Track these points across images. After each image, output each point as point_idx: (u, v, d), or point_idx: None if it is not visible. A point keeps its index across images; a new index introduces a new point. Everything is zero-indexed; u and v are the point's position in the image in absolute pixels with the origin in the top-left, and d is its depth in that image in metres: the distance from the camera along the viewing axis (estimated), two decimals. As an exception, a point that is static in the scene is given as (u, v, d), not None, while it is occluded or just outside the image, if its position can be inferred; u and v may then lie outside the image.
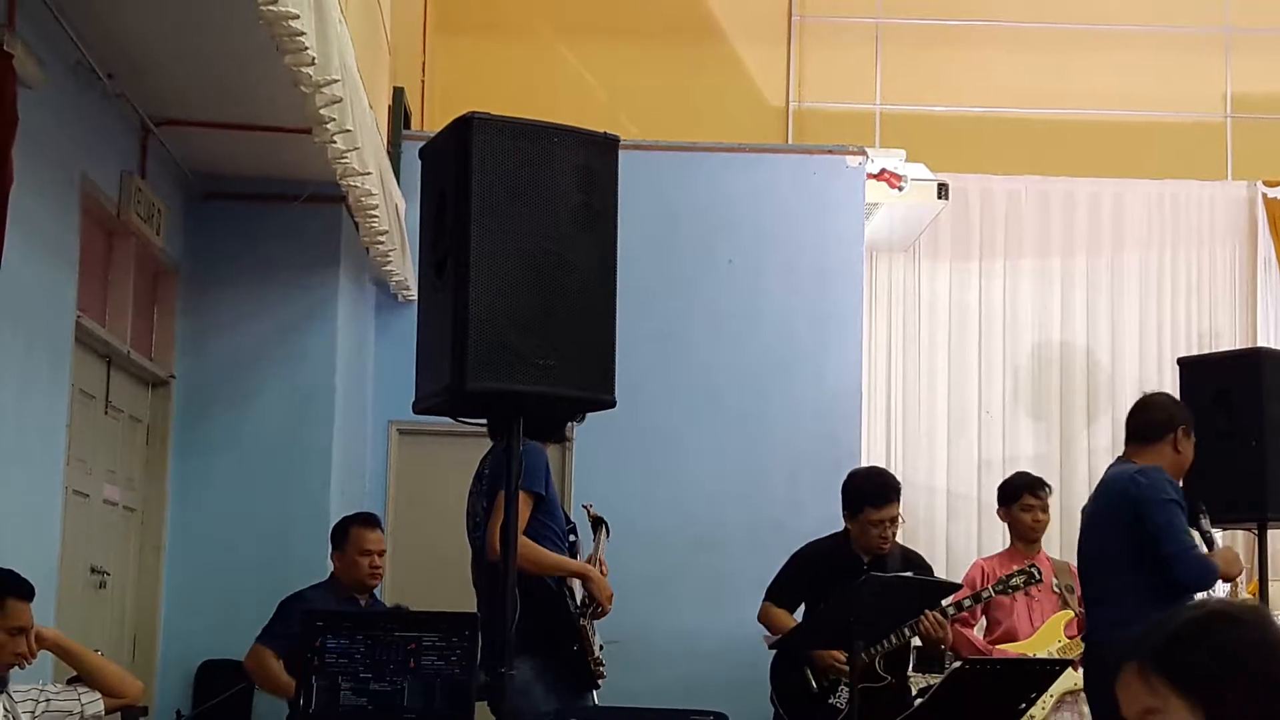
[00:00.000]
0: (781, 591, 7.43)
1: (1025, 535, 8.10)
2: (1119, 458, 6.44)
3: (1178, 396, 6.95)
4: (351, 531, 7.25)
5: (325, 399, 8.71)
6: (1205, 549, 6.24)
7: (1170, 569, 5.94)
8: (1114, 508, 6.18)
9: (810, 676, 7.13)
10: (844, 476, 7.58)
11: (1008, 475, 8.64)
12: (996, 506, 8.33)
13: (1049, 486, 8.27)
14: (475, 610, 6.06)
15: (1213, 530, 6.44)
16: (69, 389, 6.75)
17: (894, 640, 6.97)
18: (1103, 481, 6.43)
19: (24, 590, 4.99)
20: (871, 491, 7.22)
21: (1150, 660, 2.25)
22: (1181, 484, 6.53)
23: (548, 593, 6.18)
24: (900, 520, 7.38)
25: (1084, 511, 6.58)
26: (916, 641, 7.19)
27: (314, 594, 7.17)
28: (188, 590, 8.40)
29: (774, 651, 7.22)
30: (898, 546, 7.36)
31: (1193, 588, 5.98)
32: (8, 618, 4.92)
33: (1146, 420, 6.35)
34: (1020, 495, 8.10)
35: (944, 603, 6.97)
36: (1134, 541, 6.03)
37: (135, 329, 7.90)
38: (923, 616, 6.83)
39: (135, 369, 8.02)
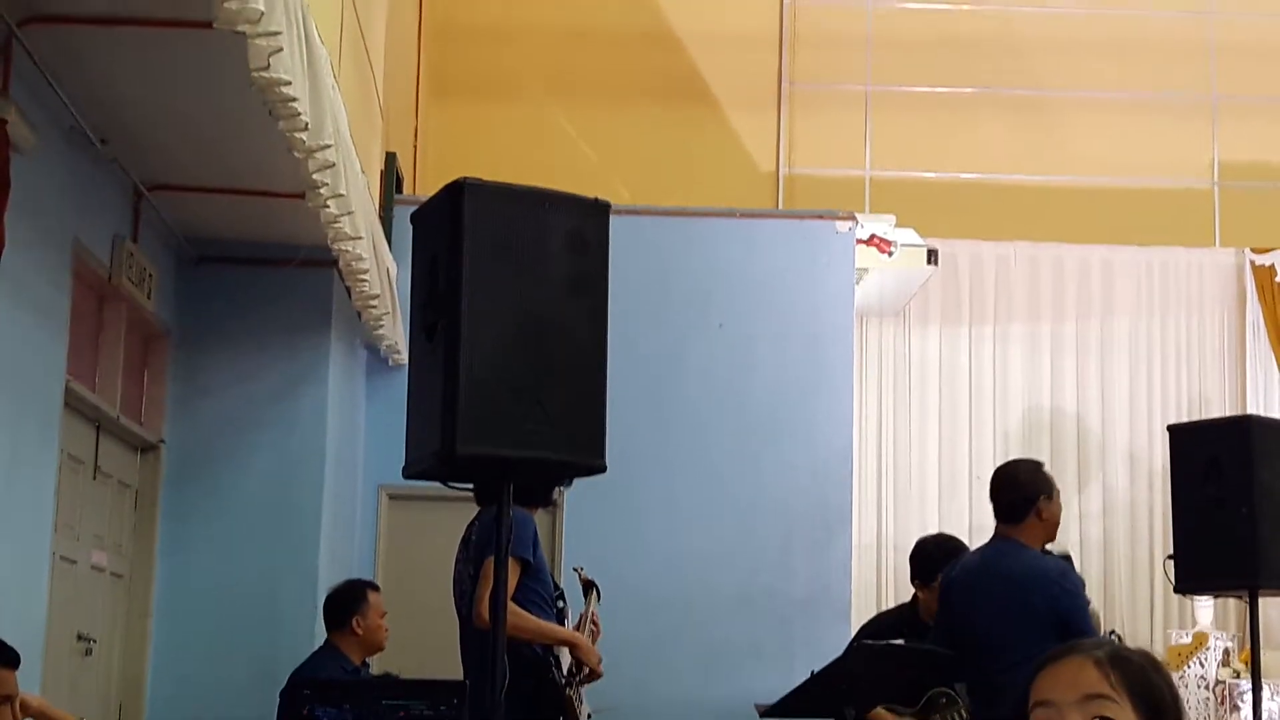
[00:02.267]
0: None
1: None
2: (996, 536, 6.28)
3: (1168, 464, 6.95)
4: (370, 596, 7.22)
5: (315, 463, 8.68)
6: None
7: None
8: (1028, 606, 6.01)
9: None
10: (836, 540, 7.55)
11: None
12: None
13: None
14: (463, 678, 6.02)
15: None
16: (58, 453, 6.73)
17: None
18: (995, 566, 6.21)
19: (9, 657, 4.94)
20: (945, 559, 7.07)
21: (1109, 662, 2.29)
22: (1172, 553, 6.59)
23: (534, 660, 6.15)
24: None
25: (966, 586, 6.33)
26: None
27: (318, 663, 7.09)
28: (175, 657, 8.34)
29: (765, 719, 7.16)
30: None
31: None
32: (-7, 684, 4.87)
33: (1008, 501, 6.25)
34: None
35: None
36: (1043, 639, 5.97)
37: (125, 393, 7.88)
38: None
39: (125, 434, 8.00)
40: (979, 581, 6.25)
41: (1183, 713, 2.31)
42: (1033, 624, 5.95)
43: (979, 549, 6.54)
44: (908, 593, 8.96)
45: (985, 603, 6.17)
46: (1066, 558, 6.85)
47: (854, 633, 7.43)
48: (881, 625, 7.33)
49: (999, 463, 12.07)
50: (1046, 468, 6.41)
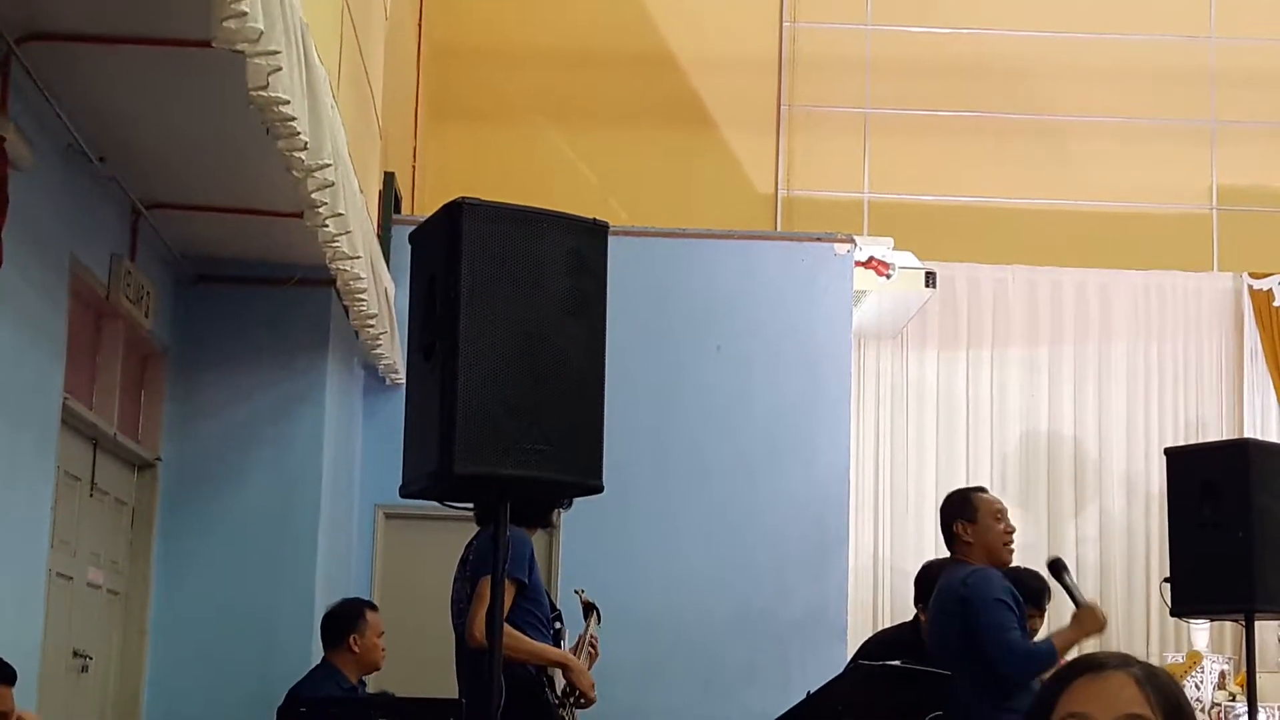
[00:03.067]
0: None
1: None
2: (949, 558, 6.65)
3: (1165, 486, 6.97)
4: (368, 615, 7.23)
5: (312, 482, 8.68)
6: (1072, 603, 6.45)
7: (994, 666, 6.11)
8: (948, 615, 6.40)
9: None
10: (832, 563, 7.54)
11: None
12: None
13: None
14: (458, 696, 6.02)
15: (1076, 587, 6.64)
16: (54, 471, 6.72)
17: None
18: (939, 590, 6.61)
19: (6, 674, 4.94)
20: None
21: (1148, 681, 2.26)
22: (1168, 576, 6.62)
23: (527, 680, 6.14)
24: None
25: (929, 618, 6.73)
26: None
27: (314, 681, 7.09)
28: (171, 674, 8.32)
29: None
30: None
31: (1019, 679, 6.09)
32: (-12, 701, 4.87)
33: (942, 525, 6.66)
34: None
35: None
36: (967, 643, 6.19)
37: (122, 411, 7.88)
38: None
39: (122, 452, 8.00)
40: (931, 608, 6.67)
41: None
42: (952, 631, 6.31)
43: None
44: (904, 614, 8.98)
45: (931, 623, 6.63)
46: (1035, 578, 6.98)
47: (851, 653, 7.43)
48: (881, 643, 7.33)
49: (995, 486, 12.17)
50: (985, 493, 6.71)
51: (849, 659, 7.38)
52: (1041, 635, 6.77)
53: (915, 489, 12.37)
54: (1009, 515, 6.57)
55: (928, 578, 7.25)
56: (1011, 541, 6.52)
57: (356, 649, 7.14)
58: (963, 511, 6.53)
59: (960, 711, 6.28)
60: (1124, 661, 2.29)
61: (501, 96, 12.97)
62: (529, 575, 6.19)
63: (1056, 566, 6.64)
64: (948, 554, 6.72)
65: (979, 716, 6.21)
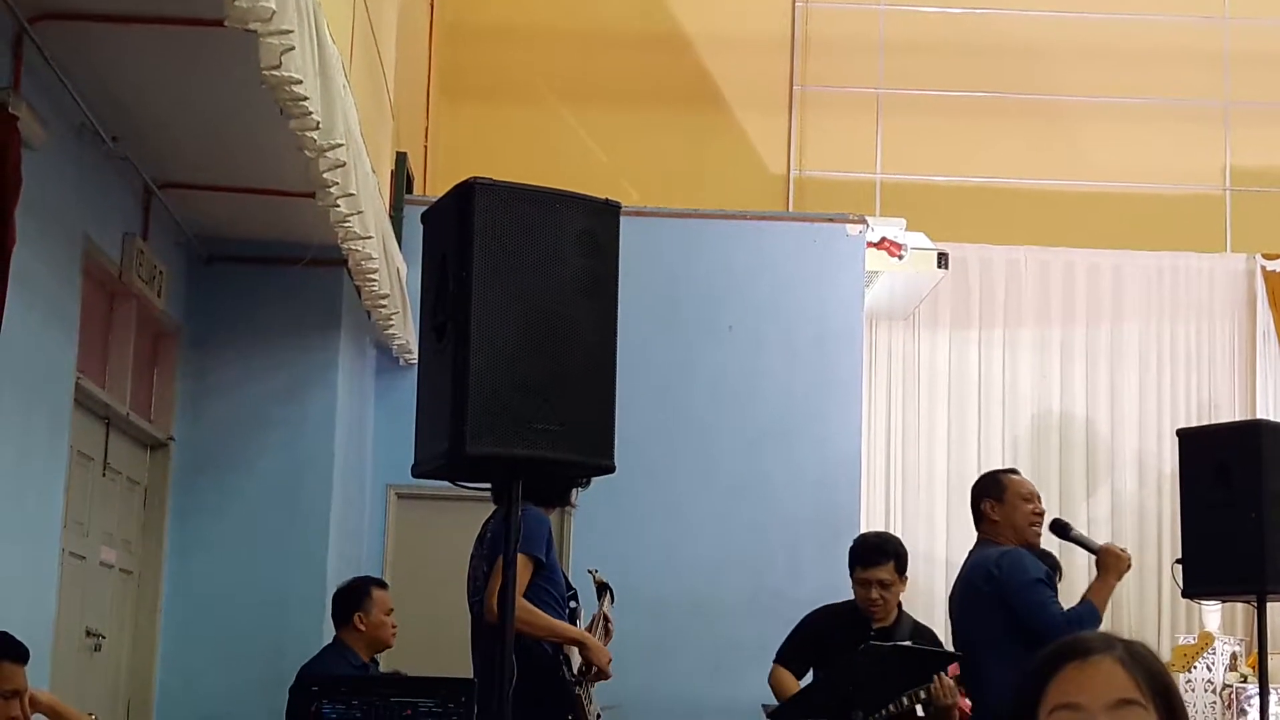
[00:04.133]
0: (790, 655, 7.30)
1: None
2: (975, 542, 6.70)
3: (1177, 467, 6.97)
4: (374, 593, 7.25)
5: (324, 462, 8.69)
6: (1090, 553, 6.56)
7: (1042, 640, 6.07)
8: (978, 595, 6.45)
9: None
10: (843, 543, 7.53)
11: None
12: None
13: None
14: (472, 675, 6.03)
15: (1086, 536, 6.76)
16: (67, 451, 6.74)
17: (898, 706, 6.85)
18: (962, 571, 6.67)
19: (19, 653, 4.96)
20: (859, 550, 7.16)
21: (1133, 662, 2.25)
22: (1180, 558, 6.65)
23: (544, 658, 6.16)
24: (897, 586, 7.26)
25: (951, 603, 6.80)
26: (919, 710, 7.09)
27: (326, 660, 7.12)
28: (184, 653, 8.35)
29: (772, 721, 7.16)
30: (909, 618, 7.23)
31: None
32: (2, 681, 4.88)
33: (971, 505, 6.72)
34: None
35: (951, 673, 6.90)
36: (1006, 625, 6.23)
37: (135, 391, 7.89)
38: (935, 681, 6.76)
39: (134, 431, 8.01)
40: (954, 587, 6.71)
41: (1182, 703, 2.30)
42: (982, 610, 6.34)
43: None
44: (914, 594, 8.96)
45: (953, 603, 6.67)
46: (1047, 557, 7.05)
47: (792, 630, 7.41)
48: (826, 617, 7.33)
49: (1008, 466, 12.16)
50: (1016, 474, 6.75)
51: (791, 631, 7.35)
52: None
53: (927, 470, 12.37)
54: (1040, 499, 6.63)
55: (851, 548, 7.33)
56: (1039, 523, 6.57)
57: (363, 627, 7.16)
58: (990, 491, 6.61)
59: (992, 690, 6.32)
60: (1107, 644, 2.27)
61: (513, 76, 12.95)
62: (546, 554, 6.20)
63: (1060, 526, 6.71)
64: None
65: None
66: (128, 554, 8.12)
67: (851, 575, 7.13)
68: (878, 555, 7.14)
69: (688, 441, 9.79)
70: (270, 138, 6.32)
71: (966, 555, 6.71)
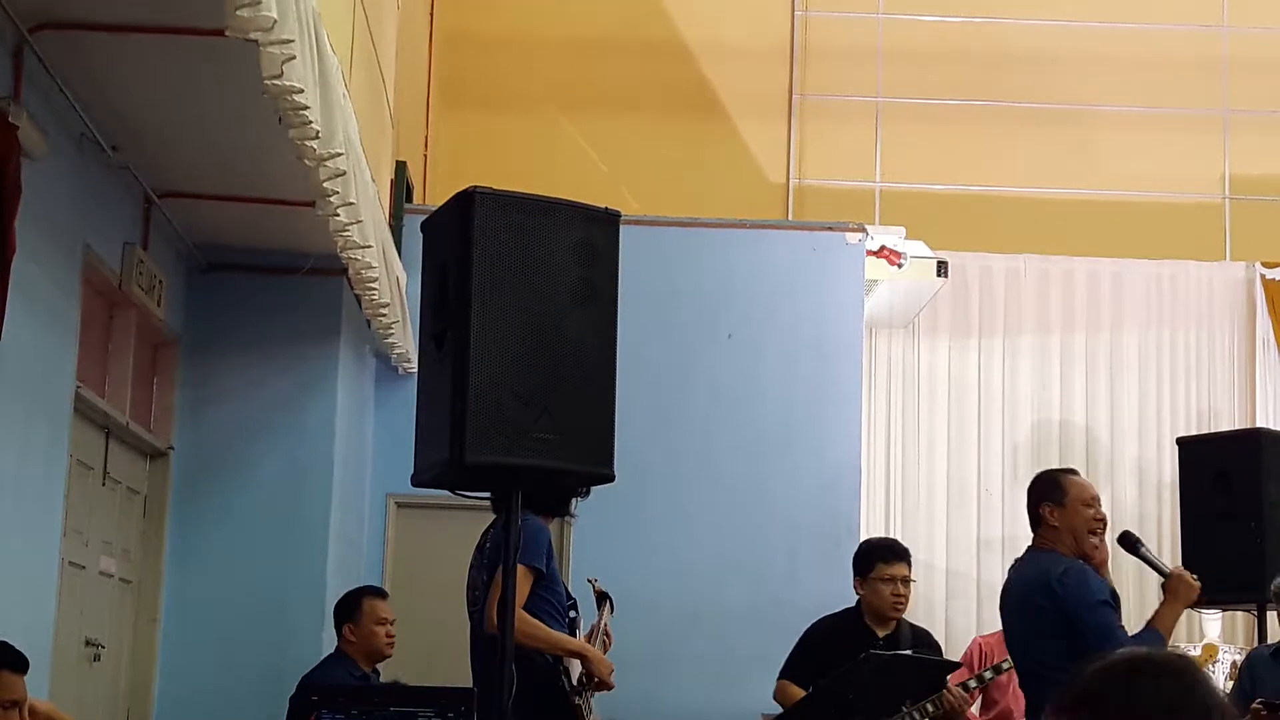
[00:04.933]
0: (796, 669, 7.30)
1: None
2: (1029, 547, 6.25)
3: (1177, 476, 6.95)
4: (364, 602, 7.25)
5: (324, 471, 8.69)
6: (1158, 575, 6.16)
7: None
8: (1036, 609, 6.02)
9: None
10: (843, 552, 7.53)
11: (1008, 554, 8.53)
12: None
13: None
14: (471, 685, 6.02)
15: (1157, 557, 6.33)
16: (67, 460, 6.74)
17: (916, 717, 6.85)
18: (1015, 578, 6.25)
19: (18, 663, 4.95)
20: (881, 548, 7.18)
21: (1067, 711, 2.20)
22: (1180, 562, 6.57)
23: (543, 669, 6.15)
24: (911, 581, 7.27)
25: (1003, 600, 6.34)
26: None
27: (327, 669, 7.12)
28: (183, 663, 8.34)
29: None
30: (908, 624, 7.26)
31: None
32: (1, 690, 4.87)
33: (1029, 507, 6.24)
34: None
35: (951, 681, 6.91)
36: (1068, 643, 5.93)
37: (134, 400, 7.89)
38: (946, 691, 6.76)
39: (134, 440, 8.01)
40: (1007, 594, 6.26)
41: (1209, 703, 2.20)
42: (1043, 626, 5.93)
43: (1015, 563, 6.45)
44: (914, 607, 8.97)
45: (1008, 614, 6.20)
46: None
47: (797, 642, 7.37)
48: (828, 628, 7.31)
49: (1007, 475, 12.17)
50: (1076, 475, 6.30)
51: (796, 644, 7.32)
52: None
53: (927, 478, 12.35)
54: (1100, 503, 6.17)
55: (865, 549, 7.28)
56: (1100, 531, 6.15)
57: (353, 638, 7.16)
58: (1051, 494, 6.15)
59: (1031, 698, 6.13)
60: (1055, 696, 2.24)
61: (513, 85, 12.95)
62: (546, 564, 6.19)
63: (1130, 541, 6.31)
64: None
65: None
66: (127, 563, 8.12)
67: (865, 577, 7.09)
68: (900, 552, 7.15)
69: (687, 450, 9.78)
70: (270, 147, 6.33)
71: (1017, 562, 6.31)
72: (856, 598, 7.21)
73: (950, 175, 13.00)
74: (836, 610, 7.42)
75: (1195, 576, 6.07)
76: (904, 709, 6.76)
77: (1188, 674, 2.26)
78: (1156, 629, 6.00)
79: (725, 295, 9.98)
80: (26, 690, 5.00)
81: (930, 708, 6.80)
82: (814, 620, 7.45)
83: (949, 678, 7.01)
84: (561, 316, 4.49)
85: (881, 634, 7.06)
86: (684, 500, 9.73)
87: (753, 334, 9.95)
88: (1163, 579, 6.09)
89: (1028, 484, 6.34)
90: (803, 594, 8.94)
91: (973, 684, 7.30)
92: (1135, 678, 2.23)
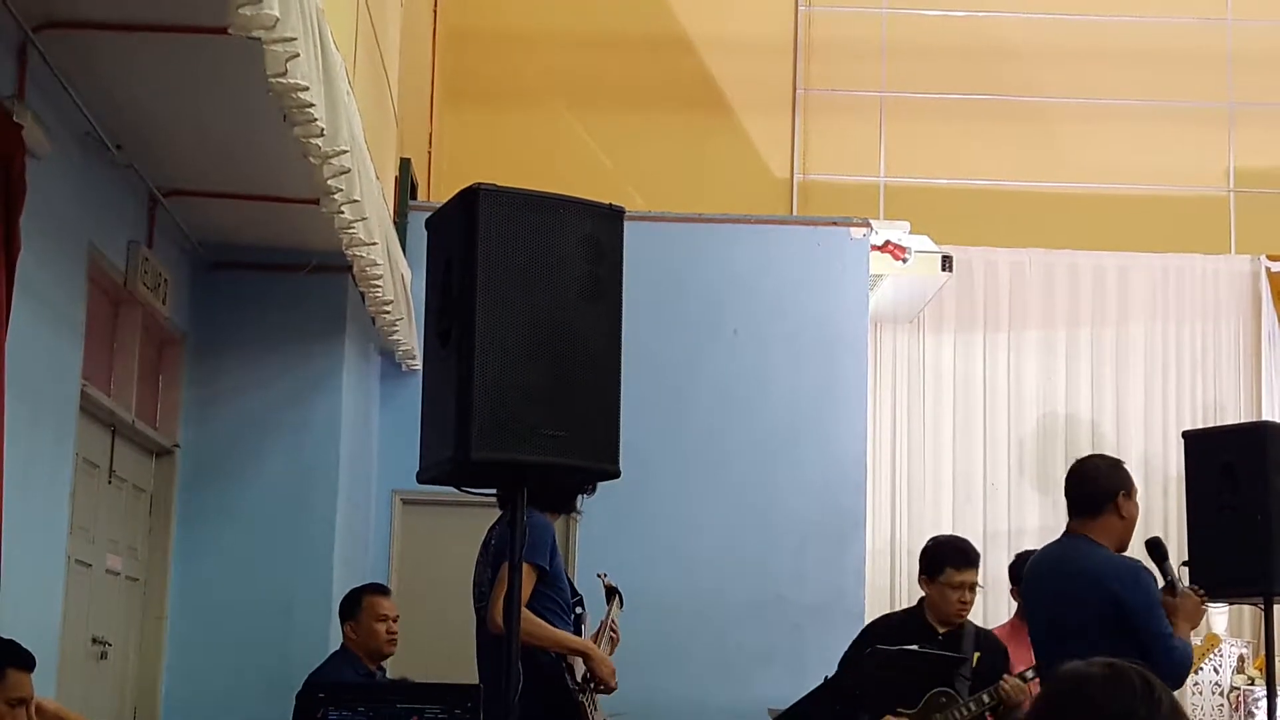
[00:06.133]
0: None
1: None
2: (1068, 533, 6.14)
3: (1183, 470, 6.93)
4: (365, 599, 7.25)
5: (329, 468, 8.70)
6: (1170, 590, 6.04)
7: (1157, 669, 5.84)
8: (1096, 601, 5.90)
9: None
10: (849, 547, 7.53)
11: (1014, 548, 8.52)
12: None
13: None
14: (478, 681, 6.02)
15: (1176, 572, 6.23)
16: (73, 458, 6.74)
17: (973, 708, 6.78)
18: (1067, 563, 6.08)
19: (25, 661, 4.96)
20: (953, 552, 7.09)
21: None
22: (1186, 556, 6.55)
23: (548, 666, 6.15)
24: (980, 588, 7.21)
25: (1037, 584, 6.25)
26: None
27: (332, 666, 7.13)
28: (190, 660, 8.35)
29: (778, 724, 7.14)
30: (972, 625, 7.18)
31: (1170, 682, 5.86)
32: (8, 688, 4.88)
33: (1086, 493, 6.12)
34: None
35: (1025, 673, 6.86)
36: (1114, 639, 5.85)
37: (140, 398, 7.90)
38: (1004, 681, 6.73)
39: (139, 438, 8.02)
40: (1050, 578, 6.12)
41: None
42: (1097, 622, 5.85)
43: (1048, 546, 6.35)
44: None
45: (1055, 600, 6.04)
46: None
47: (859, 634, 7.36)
48: (888, 626, 7.27)
49: (1013, 469, 12.15)
50: (1126, 465, 6.26)
51: (853, 641, 7.31)
52: None
53: (932, 473, 12.36)
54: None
55: (934, 549, 7.19)
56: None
57: (355, 636, 7.17)
58: (1127, 483, 6.09)
59: None
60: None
61: (517, 81, 12.96)
62: (550, 561, 6.19)
63: (1158, 550, 6.20)
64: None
65: None
66: (133, 561, 8.13)
67: (934, 579, 6.99)
68: (973, 558, 7.08)
69: (692, 446, 9.78)
70: (274, 145, 6.33)
71: (1057, 548, 6.16)
72: (862, 594, 7.20)
73: (954, 170, 12.99)
74: (899, 609, 7.32)
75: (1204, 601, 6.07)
76: (955, 700, 6.69)
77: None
78: (1185, 640, 5.95)
79: (730, 291, 9.98)
80: (34, 688, 5.01)
81: (986, 698, 6.76)
82: (874, 618, 7.34)
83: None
84: (567, 313, 4.49)
85: (942, 632, 6.95)
86: (689, 496, 9.73)
87: (758, 329, 9.95)
88: (1172, 595, 6.02)
89: (1069, 471, 6.26)
90: (808, 590, 8.95)
91: (1030, 675, 7.20)
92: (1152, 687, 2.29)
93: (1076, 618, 5.92)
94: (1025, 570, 6.43)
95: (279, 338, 8.68)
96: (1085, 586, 5.93)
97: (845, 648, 6.93)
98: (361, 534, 9.39)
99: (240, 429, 8.61)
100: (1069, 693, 2.26)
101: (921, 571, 7.08)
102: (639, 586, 8.50)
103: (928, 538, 7.47)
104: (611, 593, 6.84)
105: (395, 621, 7.28)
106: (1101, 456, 6.52)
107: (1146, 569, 5.98)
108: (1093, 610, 5.86)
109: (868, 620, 9.31)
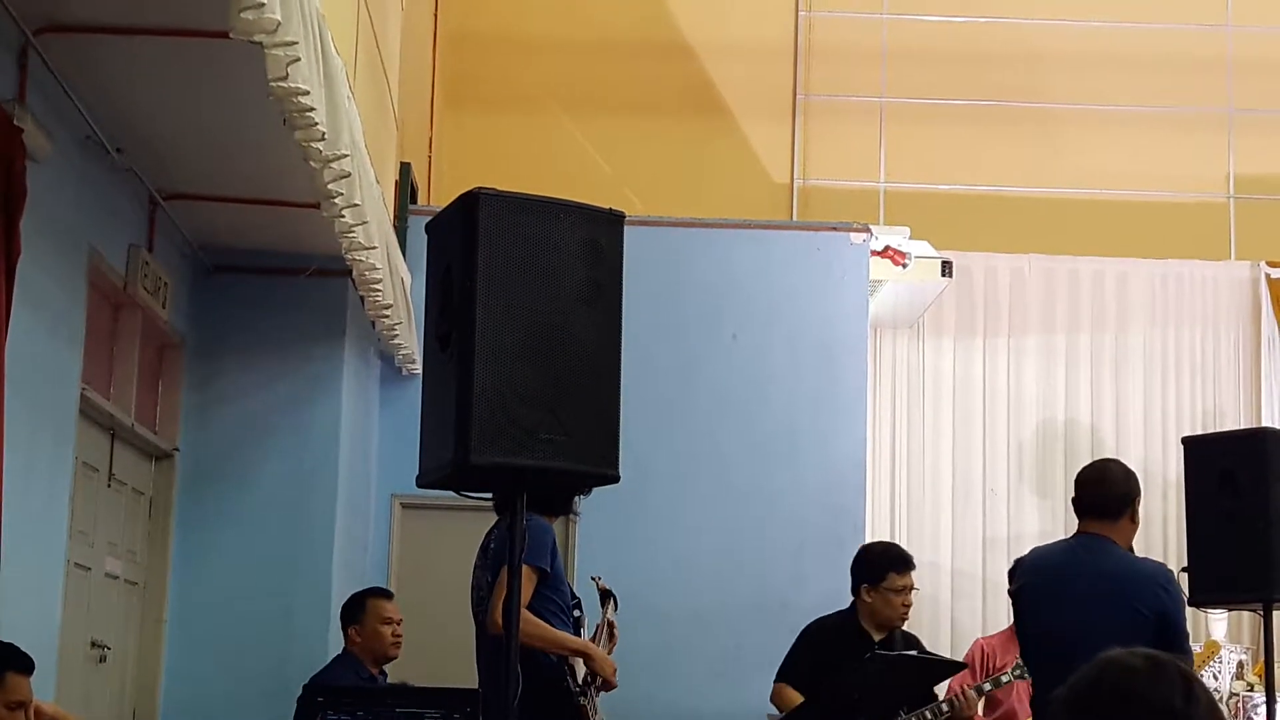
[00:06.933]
0: (793, 671, 7.33)
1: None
2: (1085, 533, 6.14)
3: (1182, 476, 6.95)
4: (369, 603, 7.27)
5: (329, 472, 8.70)
6: None
7: None
8: (1129, 604, 5.88)
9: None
10: (848, 552, 7.54)
11: (1013, 553, 8.54)
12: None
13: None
14: (477, 685, 6.03)
15: None
16: (72, 461, 6.74)
17: (929, 717, 6.88)
18: (1088, 564, 6.05)
19: (24, 664, 4.96)
20: (894, 558, 7.20)
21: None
22: (1186, 566, 6.58)
23: (548, 669, 6.16)
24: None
25: (1051, 583, 6.16)
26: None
27: (334, 670, 7.14)
28: (189, 664, 8.35)
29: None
30: (901, 630, 7.30)
31: None
32: (7, 692, 4.88)
33: (1109, 494, 6.14)
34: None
35: (982, 685, 6.93)
36: (1142, 638, 5.80)
37: (140, 402, 7.90)
38: (960, 693, 6.80)
39: (139, 442, 8.02)
40: (1075, 579, 6.05)
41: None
42: (1131, 623, 5.80)
43: (1060, 546, 6.34)
44: (919, 606, 8.99)
45: (1076, 601, 5.97)
46: None
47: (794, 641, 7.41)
48: (824, 630, 7.32)
49: (1012, 475, 12.14)
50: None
51: (792, 647, 7.36)
52: None
53: (932, 478, 12.35)
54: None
55: (876, 555, 7.27)
56: None
57: (358, 639, 7.18)
58: (1139, 489, 6.20)
59: None
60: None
61: (517, 86, 12.96)
62: (550, 564, 6.20)
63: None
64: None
65: None
66: (133, 565, 8.13)
67: (876, 585, 7.08)
68: (910, 561, 7.19)
69: (691, 450, 9.78)
70: (275, 149, 6.33)
71: (1074, 548, 6.14)
72: (852, 600, 7.24)
73: (954, 175, 12.99)
74: (831, 612, 7.44)
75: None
76: (903, 712, 6.77)
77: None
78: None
79: (729, 296, 9.98)
80: (32, 691, 5.01)
81: (945, 708, 6.82)
82: (807, 624, 7.47)
83: (951, 680, 7.04)
84: (566, 317, 4.49)
85: (877, 638, 7.11)
86: (688, 500, 9.73)
87: (757, 334, 9.95)
88: None
89: (1081, 473, 6.32)
90: (808, 594, 8.94)
91: (988, 686, 7.30)
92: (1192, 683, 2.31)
93: (1110, 616, 5.85)
94: (1026, 569, 6.33)
95: (279, 341, 8.69)
96: (1125, 587, 5.90)
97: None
98: (361, 538, 9.39)
99: (240, 433, 8.61)
100: (1108, 682, 2.27)
101: (862, 579, 7.15)
102: (637, 590, 8.51)
103: (930, 545, 7.55)
104: (606, 595, 6.86)
105: (400, 624, 7.30)
106: (1116, 461, 6.56)
107: (1170, 570, 6.15)
108: (1129, 611, 5.84)
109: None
